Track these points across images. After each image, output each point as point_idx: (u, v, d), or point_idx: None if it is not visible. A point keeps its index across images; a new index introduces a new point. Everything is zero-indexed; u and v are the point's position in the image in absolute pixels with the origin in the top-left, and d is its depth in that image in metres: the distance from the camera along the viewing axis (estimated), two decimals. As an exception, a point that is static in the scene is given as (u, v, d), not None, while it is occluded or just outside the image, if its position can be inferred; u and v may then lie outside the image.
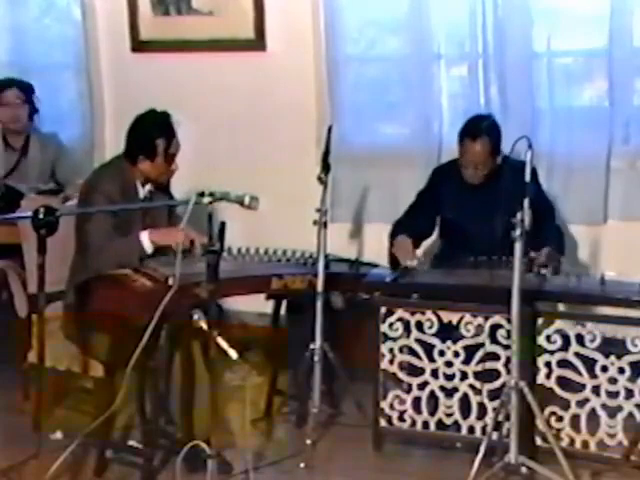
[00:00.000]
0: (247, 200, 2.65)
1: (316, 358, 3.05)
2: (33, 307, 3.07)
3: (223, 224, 2.44)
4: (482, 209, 3.02)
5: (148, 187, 3.08)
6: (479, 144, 3.12)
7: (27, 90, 3.91)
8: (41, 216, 2.45)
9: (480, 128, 3.14)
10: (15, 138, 3.90)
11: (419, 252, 3.22)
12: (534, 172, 3.13)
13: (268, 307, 3.35)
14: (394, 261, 3.11)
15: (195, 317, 2.48)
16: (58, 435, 3.06)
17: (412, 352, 3.00)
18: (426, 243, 3.33)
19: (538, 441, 2.85)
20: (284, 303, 3.33)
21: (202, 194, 2.59)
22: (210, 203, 2.55)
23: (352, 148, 3.87)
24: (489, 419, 2.86)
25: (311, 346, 3.06)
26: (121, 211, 2.94)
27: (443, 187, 3.27)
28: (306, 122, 3.96)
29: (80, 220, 2.97)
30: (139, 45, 4.16)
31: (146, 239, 2.92)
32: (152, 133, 3.00)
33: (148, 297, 2.71)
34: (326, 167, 3.16)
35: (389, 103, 3.92)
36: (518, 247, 2.68)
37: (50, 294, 2.69)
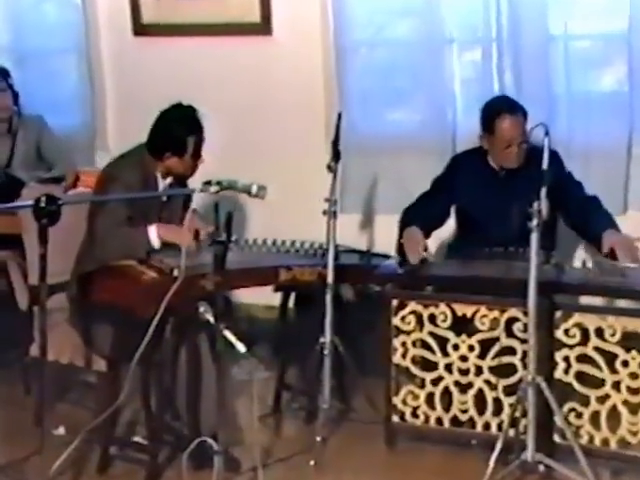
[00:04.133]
0: (254, 189, 2.63)
1: (326, 352, 3.03)
2: (34, 299, 3.06)
3: (230, 214, 2.42)
4: (504, 200, 2.98)
5: (169, 180, 3.06)
6: (519, 116, 3.05)
7: (5, 75, 3.90)
8: (43, 205, 2.42)
9: (513, 102, 3.10)
10: None
11: (429, 244, 3.18)
12: (560, 159, 3.11)
13: (276, 299, 3.33)
14: (402, 252, 3.08)
15: (201, 310, 2.46)
16: (61, 431, 3.05)
17: (425, 346, 2.97)
18: (439, 233, 3.28)
19: (556, 438, 2.82)
20: (293, 295, 3.31)
21: (208, 183, 2.57)
22: (216, 192, 2.53)
23: (361, 136, 3.84)
24: (505, 415, 2.84)
25: (321, 340, 3.04)
26: (136, 203, 2.92)
27: (461, 175, 3.22)
28: (314, 109, 3.93)
29: (93, 208, 2.96)
30: (141, 29, 4.12)
31: (154, 233, 2.90)
32: (182, 130, 2.96)
33: (153, 289, 2.70)
34: (336, 155, 3.13)
35: (399, 90, 3.89)
36: (535, 238, 2.65)
37: (52, 285, 2.67)
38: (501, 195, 3.07)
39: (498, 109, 3.08)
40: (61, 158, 3.93)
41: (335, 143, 3.13)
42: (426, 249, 3.04)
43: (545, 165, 2.66)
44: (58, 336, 2.85)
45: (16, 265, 3.46)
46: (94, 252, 2.91)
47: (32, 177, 3.79)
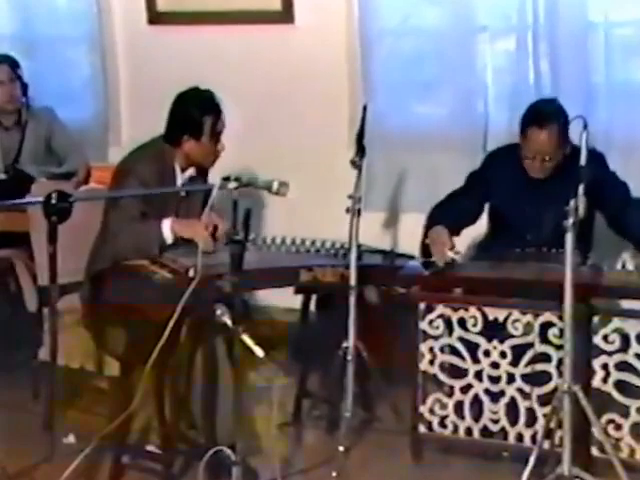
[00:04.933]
0: (275, 186, 2.62)
1: (349, 357, 3.02)
2: (43, 300, 3.09)
3: (248, 211, 2.42)
4: (541, 204, 2.97)
5: (189, 173, 3.08)
6: (546, 133, 3.01)
7: (14, 65, 3.93)
8: (53, 202, 2.43)
9: (547, 114, 3.03)
10: (6, 117, 3.92)
11: (459, 243, 3.17)
12: (603, 158, 3.09)
13: (296, 302, 3.34)
14: (427, 254, 3.07)
15: (218, 312, 2.45)
16: (71, 439, 3.07)
17: (454, 352, 2.96)
18: (469, 232, 3.26)
19: (594, 451, 2.81)
20: (314, 297, 3.31)
21: (227, 179, 2.56)
22: (235, 189, 2.52)
23: (387, 130, 3.84)
24: (539, 426, 2.82)
25: (343, 344, 3.04)
26: (152, 198, 2.94)
27: (497, 172, 3.20)
28: (337, 101, 3.94)
29: (107, 203, 3.00)
30: (157, 17, 4.14)
31: (167, 228, 2.92)
32: (198, 110, 3.01)
33: (167, 290, 2.71)
34: (361, 150, 3.12)
35: (427, 81, 3.89)
36: (570, 237, 2.62)
37: (62, 286, 2.68)
38: (537, 196, 3.06)
39: (528, 120, 3.06)
40: (72, 152, 3.96)
41: (360, 137, 3.12)
42: (453, 248, 3.02)
43: (583, 161, 2.63)
44: (68, 339, 2.86)
45: (24, 265, 3.49)
46: (106, 248, 2.94)
47: (41, 172, 3.82)
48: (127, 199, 2.91)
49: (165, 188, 3.02)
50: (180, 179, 3.08)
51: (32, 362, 3.25)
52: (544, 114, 3.04)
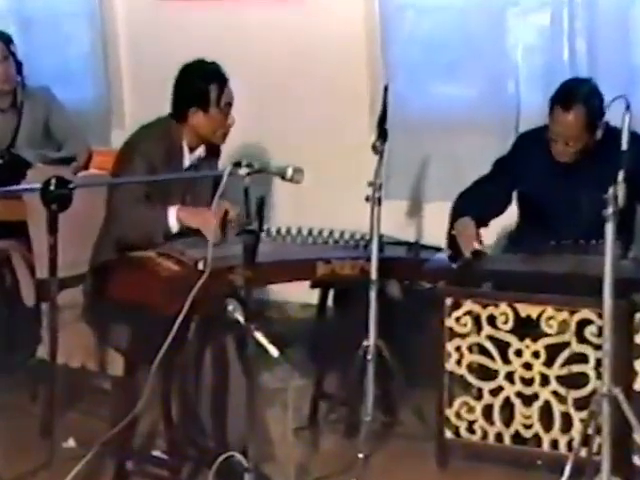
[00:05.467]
0: (289, 172, 2.58)
1: (369, 357, 3.01)
2: (42, 294, 3.07)
3: (262, 199, 2.40)
4: (574, 190, 2.93)
5: (199, 152, 3.08)
6: (572, 115, 2.97)
7: (7, 41, 3.90)
8: (52, 188, 2.40)
9: (575, 95, 2.98)
10: (1, 98, 3.90)
11: (487, 234, 3.14)
12: None
13: (313, 297, 3.33)
14: (454, 245, 3.04)
15: (229, 308, 2.44)
16: (71, 443, 3.06)
17: (483, 351, 2.94)
18: (499, 222, 3.22)
19: (636, 460, 2.78)
20: (332, 292, 3.30)
21: (238, 164, 2.53)
22: (247, 175, 2.49)
23: (409, 113, 3.83)
24: (576, 432, 2.80)
25: (364, 343, 3.02)
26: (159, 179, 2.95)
27: (528, 157, 3.16)
28: (355, 82, 3.92)
29: (110, 188, 2.99)
30: (161, -9, 4.14)
31: (173, 215, 2.91)
32: (203, 79, 3.03)
33: (174, 284, 2.69)
34: (382, 134, 3.10)
35: (453, 59, 3.85)
36: (610, 228, 2.59)
37: (61, 280, 2.66)
38: (571, 181, 3.02)
39: (555, 99, 3.02)
40: (71, 136, 3.95)
41: (381, 120, 3.10)
42: (481, 242, 2.99)
43: (624, 145, 2.60)
44: (68, 336, 2.81)
45: (21, 256, 3.48)
46: (110, 236, 2.93)
47: (39, 157, 3.80)
48: (131, 177, 2.92)
49: (172, 172, 3.01)
50: (188, 160, 3.07)
51: (29, 361, 3.24)
52: (571, 95, 3.00)
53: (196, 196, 3.04)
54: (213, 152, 3.15)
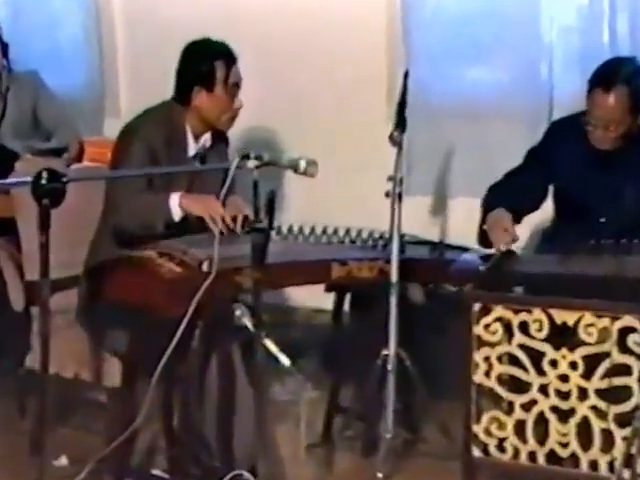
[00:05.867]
0: (302, 165, 2.60)
1: (389, 367, 3.02)
2: (32, 298, 3.09)
3: (272, 194, 2.42)
4: (616, 182, 2.94)
5: (204, 140, 3.11)
6: (614, 96, 2.97)
7: None
8: (44, 182, 2.41)
9: (617, 75, 2.98)
10: None
11: (520, 232, 3.14)
12: None
13: (328, 301, 3.35)
14: (485, 240, 3.05)
15: (237, 313, 2.47)
16: (63, 461, 3.08)
17: (515, 362, 2.93)
18: (532, 219, 3.24)
19: (684, 481, 2.78)
20: (348, 296, 3.32)
21: (246, 156, 2.55)
22: (256, 168, 2.50)
23: (432, 100, 3.85)
24: (618, 452, 2.78)
25: (383, 352, 3.04)
26: (159, 165, 2.96)
27: (562, 147, 3.16)
28: (373, 66, 3.94)
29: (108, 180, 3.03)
30: (160, -34, 4.17)
31: (176, 202, 2.94)
32: (208, 57, 3.06)
33: (177, 286, 2.71)
34: (401, 123, 3.11)
35: (480, 41, 3.86)
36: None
37: (54, 281, 2.66)
38: (612, 171, 3.02)
39: (594, 80, 3.02)
40: (61, 125, 3.97)
41: (401, 108, 3.12)
42: (515, 239, 3.00)
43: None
44: (60, 344, 2.82)
45: (8, 256, 3.50)
46: (108, 224, 2.96)
47: (26, 148, 3.83)
48: (131, 166, 2.95)
49: (175, 160, 3.03)
50: (193, 148, 3.10)
51: (17, 371, 3.26)
52: (613, 74, 3.00)
53: (203, 188, 3.06)
54: (221, 140, 3.17)
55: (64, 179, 2.42)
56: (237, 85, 3.08)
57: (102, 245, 2.99)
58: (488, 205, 3.10)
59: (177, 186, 3.00)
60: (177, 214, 2.93)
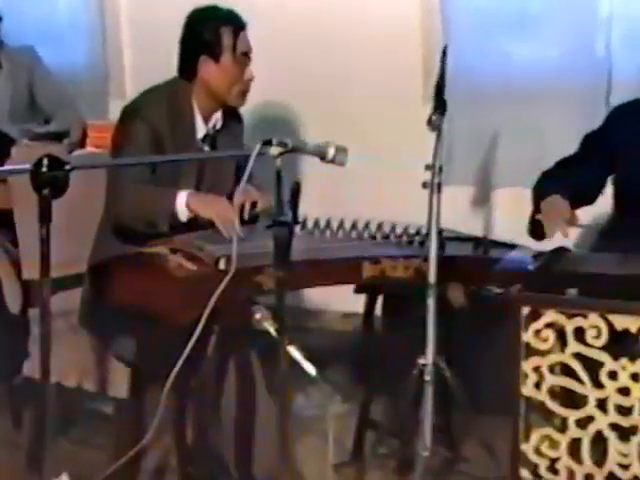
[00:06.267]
0: (331, 152, 2.60)
1: (427, 378, 3.00)
2: (30, 299, 3.09)
3: (297, 185, 2.42)
4: None
5: (215, 120, 3.12)
6: None
7: None
8: (45, 169, 2.41)
9: None
10: None
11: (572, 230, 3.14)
12: None
13: (358, 304, 3.35)
14: (538, 232, 3.03)
15: (257, 316, 2.46)
16: (64, 479, 3.08)
17: (569, 372, 2.90)
18: (589, 212, 3.22)
19: None
20: (380, 299, 3.32)
21: (268, 143, 2.55)
22: (279, 155, 2.50)
23: (473, 79, 3.88)
24: (686, 474, 2.78)
25: (420, 361, 3.02)
26: (164, 151, 2.97)
27: (626, 135, 3.14)
28: (408, 42, 3.97)
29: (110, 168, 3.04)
30: None
31: (183, 202, 2.94)
32: (213, 22, 3.09)
33: (191, 286, 2.71)
34: (441, 105, 3.09)
35: (527, 13, 3.87)
36: None
37: (54, 280, 2.66)
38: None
39: None
40: (61, 106, 3.99)
41: (439, 89, 3.10)
42: (575, 223, 2.97)
43: None
44: (61, 350, 2.86)
45: (3, 252, 3.51)
46: (109, 214, 2.98)
47: (24, 132, 3.86)
48: (133, 150, 2.96)
49: (182, 142, 3.04)
50: (202, 129, 3.11)
51: (13, 380, 3.28)
52: None
53: (215, 178, 3.08)
54: (233, 119, 3.18)
55: (67, 167, 2.43)
56: (247, 55, 3.11)
57: (106, 241, 3.01)
58: (541, 193, 3.08)
59: (185, 172, 3.01)
60: (184, 215, 2.94)
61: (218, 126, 3.14)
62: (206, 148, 3.13)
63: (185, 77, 3.10)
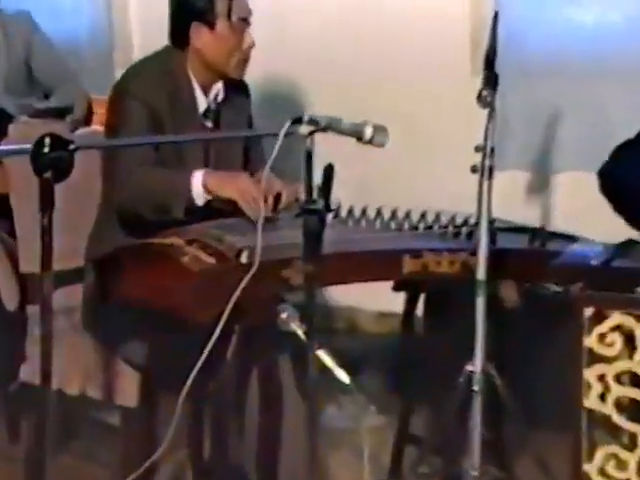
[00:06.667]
0: (368, 132, 2.59)
1: (475, 387, 2.99)
2: (28, 294, 3.11)
3: (330, 168, 2.41)
4: None
5: (216, 91, 3.12)
6: None
7: None
8: (47, 150, 2.42)
9: None
10: None
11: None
12: None
13: (396, 303, 3.35)
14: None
15: (283, 316, 2.47)
16: (66, 497, 3.12)
17: (638, 382, 2.88)
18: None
19: None
20: (422, 297, 3.32)
21: (299, 120, 2.54)
22: (310, 134, 2.50)
23: (528, 50, 3.86)
24: None
25: (467, 368, 3.01)
26: (163, 129, 2.98)
27: None
28: (454, 8, 3.96)
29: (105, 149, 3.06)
30: None
31: (199, 182, 2.93)
32: None
33: (209, 282, 2.72)
34: (491, 79, 3.08)
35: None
36: None
37: (56, 274, 2.67)
38: None
39: None
40: (62, 79, 4.01)
41: (490, 60, 3.08)
42: None
43: None
44: (63, 352, 2.87)
45: (-1, 242, 3.54)
46: (109, 207, 2.99)
47: (21, 107, 3.88)
48: (131, 134, 2.97)
49: (183, 119, 3.04)
50: (203, 102, 3.12)
51: (9, 386, 3.29)
52: None
53: (222, 155, 3.09)
54: (238, 90, 3.18)
55: (71, 146, 2.44)
56: (245, 20, 3.10)
57: (107, 233, 3.02)
58: (613, 180, 3.08)
59: (191, 153, 3.02)
60: (200, 197, 2.93)
61: (220, 98, 3.15)
62: (209, 124, 3.13)
63: (177, 44, 3.11)
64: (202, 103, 3.12)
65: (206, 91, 3.12)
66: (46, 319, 2.50)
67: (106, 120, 3.14)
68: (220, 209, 2.97)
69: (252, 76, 3.17)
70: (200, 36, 3.07)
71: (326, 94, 3.99)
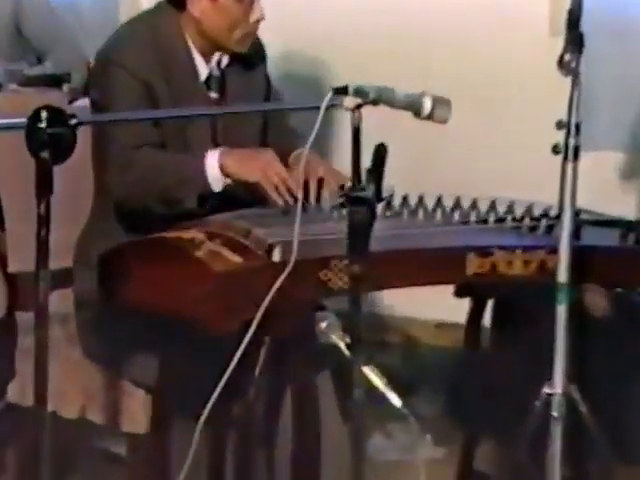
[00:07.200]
0: (427, 105, 2.61)
1: (555, 413, 3.01)
2: (18, 299, 3.18)
3: (383, 149, 2.44)
4: None
5: (219, 55, 3.15)
6: None
7: None
8: (44, 125, 2.47)
9: None
10: None
11: None
12: None
13: (459, 311, 3.38)
14: None
15: (322, 325, 2.50)
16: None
17: None
18: None
19: None
20: (490, 304, 3.35)
21: (342, 90, 2.58)
22: (357, 108, 2.54)
23: (618, 8, 3.86)
24: None
25: (545, 389, 3.02)
26: (160, 105, 3.01)
27: None
28: None
29: (97, 128, 3.07)
30: None
31: (215, 162, 2.97)
32: None
33: (233, 285, 2.74)
34: (576, 42, 3.08)
35: None
36: None
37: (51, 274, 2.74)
38: None
39: None
40: (57, 42, 4.04)
41: (573, 21, 3.09)
42: None
43: None
44: (58, 368, 2.88)
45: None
46: (105, 195, 3.03)
47: (11, 74, 3.92)
48: (122, 109, 3.01)
49: (185, 95, 3.07)
50: (204, 69, 3.15)
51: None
52: None
53: (231, 134, 3.12)
54: (249, 50, 3.18)
55: (73, 121, 2.48)
56: None
57: (99, 229, 3.09)
58: None
59: (197, 135, 3.06)
60: (217, 182, 2.98)
61: (224, 64, 3.19)
62: (213, 95, 3.16)
63: (173, 4, 3.14)
64: (203, 70, 3.15)
65: (206, 57, 3.16)
66: (41, 328, 2.52)
67: (91, 96, 3.19)
68: (235, 196, 3.01)
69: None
70: (199, 4, 3.09)
71: (372, 62, 4.01)
